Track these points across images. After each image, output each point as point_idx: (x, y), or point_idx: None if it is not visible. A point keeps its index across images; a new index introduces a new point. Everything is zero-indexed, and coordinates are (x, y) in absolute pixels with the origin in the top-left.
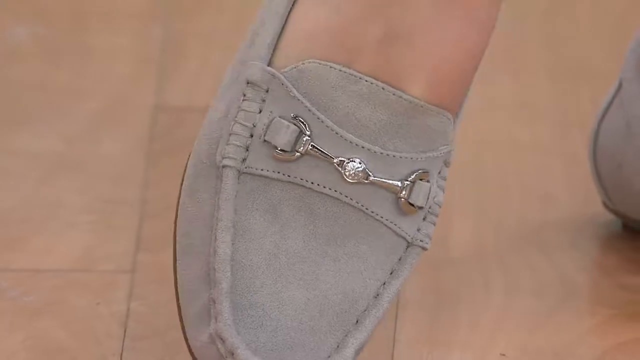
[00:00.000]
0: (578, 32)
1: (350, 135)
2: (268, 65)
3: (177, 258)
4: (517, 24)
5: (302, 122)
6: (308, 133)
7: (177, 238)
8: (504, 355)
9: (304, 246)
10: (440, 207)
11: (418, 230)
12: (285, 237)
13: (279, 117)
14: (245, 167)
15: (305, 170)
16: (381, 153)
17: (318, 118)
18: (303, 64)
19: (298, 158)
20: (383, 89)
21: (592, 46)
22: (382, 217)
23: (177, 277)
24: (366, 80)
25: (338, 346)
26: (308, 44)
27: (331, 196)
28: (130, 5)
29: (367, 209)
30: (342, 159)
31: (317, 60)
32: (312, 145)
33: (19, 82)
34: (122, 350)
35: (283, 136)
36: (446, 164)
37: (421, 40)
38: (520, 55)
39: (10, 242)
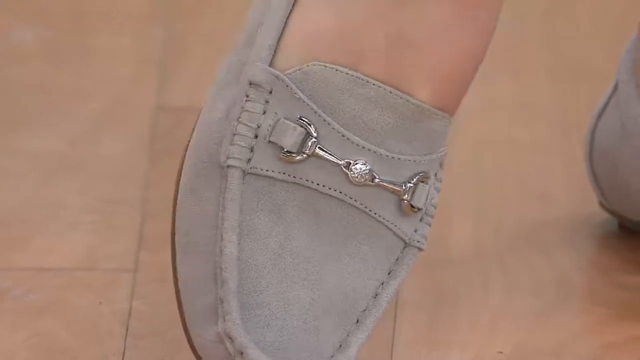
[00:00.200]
0: (578, 33)
1: (357, 137)
2: (269, 67)
3: (177, 256)
4: (517, 24)
5: (309, 124)
6: (315, 135)
7: (176, 237)
8: (501, 353)
9: (308, 246)
10: (435, 208)
11: (415, 231)
12: (289, 238)
13: (284, 118)
14: (250, 168)
15: (311, 172)
16: (387, 156)
17: (324, 120)
18: (307, 66)
19: (304, 160)
20: (390, 92)
21: (591, 46)
22: (384, 219)
23: (178, 275)
24: (373, 84)
25: (340, 346)
26: (311, 47)
27: (336, 197)
28: (131, 6)
29: (370, 210)
30: (349, 161)
31: (323, 63)
32: (319, 148)
33: (20, 82)
34: (124, 349)
35: (290, 138)
36: (441, 165)
37: (428, 44)
38: (520, 55)
39: (13, 242)
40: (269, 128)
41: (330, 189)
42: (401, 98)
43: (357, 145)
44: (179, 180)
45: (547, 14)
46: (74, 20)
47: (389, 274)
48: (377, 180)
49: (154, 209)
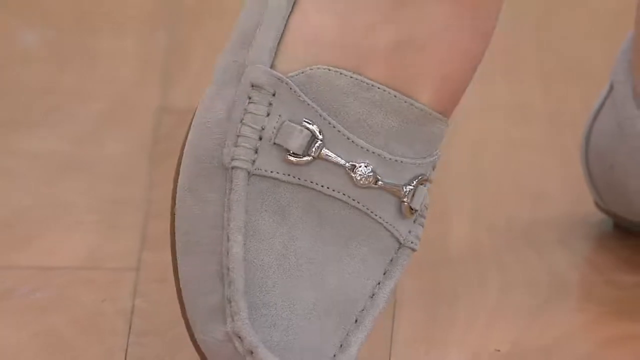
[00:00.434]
0: (574, 33)
1: (361, 140)
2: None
3: (178, 255)
4: (513, 25)
5: (315, 127)
6: (320, 137)
7: (176, 236)
8: (498, 351)
9: (311, 247)
10: (427, 209)
11: (409, 232)
12: (293, 238)
13: (289, 121)
14: (255, 169)
15: (316, 174)
16: (390, 159)
17: (329, 123)
18: (311, 69)
19: (310, 162)
20: (395, 96)
21: (588, 47)
22: (383, 220)
23: (179, 274)
24: (378, 88)
25: (341, 345)
26: (313, 50)
27: (339, 199)
28: (134, 8)
29: (371, 212)
30: (354, 163)
31: (327, 67)
32: (324, 150)
33: (24, 84)
34: (127, 346)
35: (296, 140)
36: (433, 167)
37: (432, 48)
38: (517, 56)
39: (18, 242)
40: (274, 130)
41: (334, 190)
42: (405, 102)
43: (361, 148)
44: (176, 179)
45: (544, 15)
46: (77, 23)
47: (384, 274)
48: (380, 182)
49: (157, 209)
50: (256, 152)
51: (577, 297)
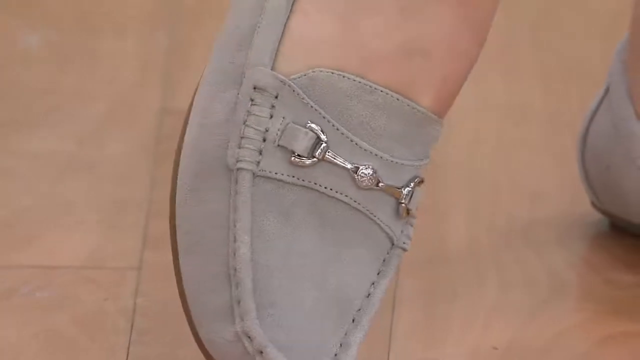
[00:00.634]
0: (570, 33)
1: (365, 143)
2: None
3: (180, 255)
4: (510, 25)
5: (319, 129)
6: (325, 140)
7: (177, 236)
8: (496, 349)
9: (313, 248)
10: (416, 209)
11: (401, 232)
12: (296, 239)
13: (293, 123)
14: (260, 170)
15: (320, 175)
16: (392, 161)
17: (333, 125)
18: (313, 72)
19: (315, 164)
20: (398, 99)
21: (584, 47)
22: (381, 221)
23: (182, 274)
24: (381, 91)
25: (341, 345)
26: (314, 53)
27: (341, 200)
28: (136, 10)
29: (371, 213)
30: (357, 165)
31: (329, 70)
32: (329, 152)
33: (26, 85)
34: (129, 344)
35: (301, 142)
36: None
37: (436, 53)
38: (513, 56)
39: (22, 241)
40: (278, 132)
41: (336, 192)
42: (408, 105)
43: (364, 150)
44: (175, 180)
45: (540, 15)
46: (79, 24)
47: (378, 274)
48: (381, 184)
49: (158, 209)
50: (260, 153)
51: (575, 296)
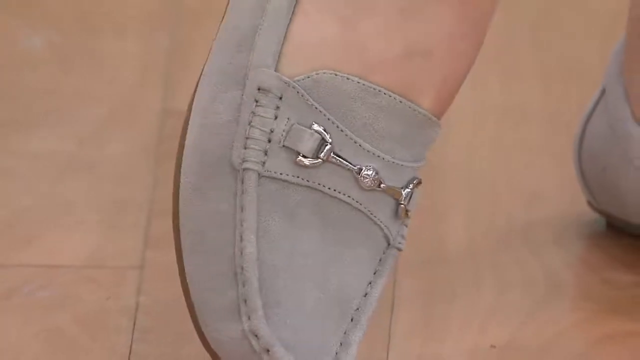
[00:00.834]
0: (570, 33)
1: (367, 144)
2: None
3: (184, 254)
4: (508, 26)
5: (324, 131)
6: (330, 141)
7: (181, 235)
8: (494, 347)
9: (315, 248)
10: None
11: (397, 232)
12: (300, 239)
13: (297, 124)
14: (265, 171)
15: (324, 176)
16: (393, 162)
17: (338, 127)
18: (317, 74)
19: (320, 164)
20: (400, 102)
21: (582, 48)
22: (381, 222)
23: (187, 273)
24: (385, 93)
25: (341, 344)
26: (317, 55)
27: (344, 201)
28: (137, 12)
29: (371, 213)
30: (360, 167)
31: (333, 72)
32: (333, 153)
33: (29, 86)
34: (131, 343)
35: (307, 143)
36: None
37: (438, 56)
38: (511, 57)
39: (24, 240)
40: (283, 133)
41: (339, 192)
42: (409, 107)
43: (367, 151)
44: (177, 179)
45: (538, 16)
46: (81, 26)
47: (374, 273)
48: (382, 185)
49: (160, 209)
50: (266, 154)
51: (573, 296)
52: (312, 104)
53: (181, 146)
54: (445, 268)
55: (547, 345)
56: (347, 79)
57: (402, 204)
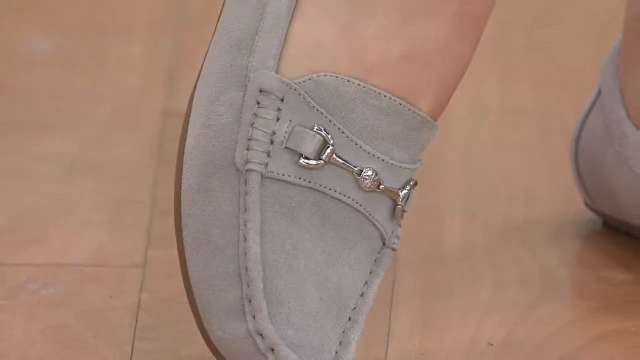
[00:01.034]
0: (564, 36)
1: (368, 146)
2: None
3: (187, 254)
4: (504, 28)
5: (326, 132)
6: (331, 143)
7: (184, 235)
8: (491, 345)
9: (316, 248)
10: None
11: (392, 232)
12: (301, 239)
13: (299, 125)
14: (268, 172)
15: (326, 177)
16: (392, 164)
17: (339, 129)
18: (318, 76)
19: (322, 166)
20: (400, 104)
21: (578, 50)
22: (378, 222)
23: (190, 272)
24: (385, 96)
25: (341, 343)
26: (317, 58)
27: (344, 202)
28: (142, 16)
29: (370, 214)
30: (361, 168)
31: (334, 74)
32: (335, 155)
33: (37, 88)
34: (133, 340)
35: (309, 145)
36: None
37: (437, 59)
38: (507, 59)
39: (29, 240)
40: (285, 135)
41: (340, 193)
42: (409, 110)
43: (368, 153)
44: (179, 180)
45: (534, 19)
46: (88, 30)
47: (370, 273)
48: (381, 186)
49: (163, 208)
50: (268, 155)
51: (569, 294)
52: (313, 106)
53: (182, 147)
54: (443, 267)
55: (543, 342)
56: (348, 81)
57: (399, 204)
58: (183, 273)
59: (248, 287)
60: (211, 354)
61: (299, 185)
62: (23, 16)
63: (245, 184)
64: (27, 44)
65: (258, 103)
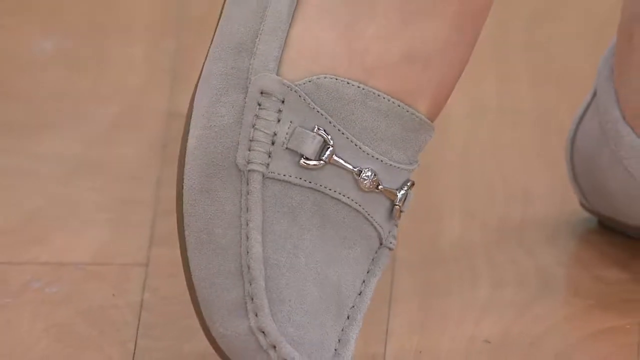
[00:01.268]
0: (561, 37)
1: (367, 147)
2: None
3: (189, 253)
4: (501, 29)
5: (326, 134)
6: (331, 144)
7: (186, 234)
8: (488, 342)
9: (316, 247)
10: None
11: (389, 232)
12: (302, 239)
13: (300, 127)
14: (269, 172)
15: (326, 178)
16: (390, 164)
17: (339, 130)
18: (318, 78)
19: (322, 166)
20: (399, 106)
21: (575, 50)
22: (376, 222)
23: (193, 271)
24: (384, 97)
25: (340, 340)
26: (318, 59)
27: (343, 202)
28: (145, 18)
29: (368, 214)
30: (360, 168)
31: (334, 76)
32: (335, 155)
33: (41, 88)
34: (136, 337)
35: (310, 146)
36: None
37: (437, 61)
38: (505, 59)
39: (34, 239)
40: (286, 136)
41: (340, 193)
42: (407, 111)
43: (367, 154)
44: (181, 180)
45: (531, 19)
46: (91, 31)
47: (368, 272)
48: (380, 187)
49: (165, 208)
50: (269, 156)
51: (565, 292)
52: (313, 108)
53: (183, 148)
54: (441, 266)
55: (540, 340)
56: (348, 83)
57: (397, 205)
58: (185, 272)
59: (250, 285)
60: (213, 352)
61: (300, 186)
62: (25, 17)
63: (247, 184)
64: (29, 44)
65: (259, 105)
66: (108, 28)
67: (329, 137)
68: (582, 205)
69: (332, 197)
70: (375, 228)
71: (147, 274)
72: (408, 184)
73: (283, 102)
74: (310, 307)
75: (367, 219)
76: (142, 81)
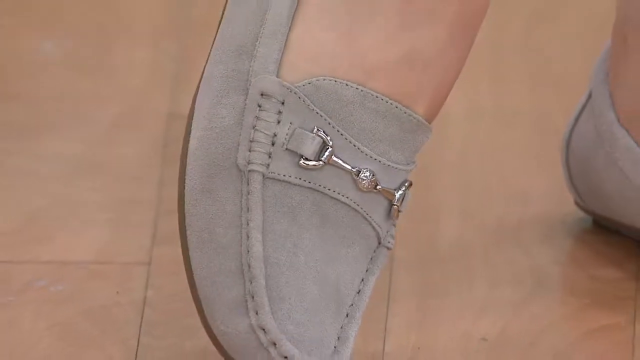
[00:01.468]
0: (560, 37)
1: (366, 148)
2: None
3: (191, 252)
4: (499, 30)
5: (325, 134)
6: (330, 144)
7: (188, 234)
8: (485, 340)
9: (315, 246)
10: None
11: (387, 232)
12: (301, 238)
13: (300, 128)
14: (269, 173)
15: (325, 178)
16: (389, 165)
17: (338, 131)
18: (317, 80)
19: (322, 167)
20: (396, 107)
21: (572, 52)
22: (375, 222)
23: (194, 270)
24: (382, 99)
25: (339, 338)
26: (317, 61)
27: (342, 202)
28: (147, 20)
29: (367, 214)
30: (359, 169)
31: (333, 78)
32: (334, 156)
33: (44, 90)
34: (139, 335)
35: (309, 146)
36: None
37: (435, 63)
38: (502, 61)
39: (37, 238)
40: (286, 137)
41: (339, 194)
42: (405, 113)
43: (365, 154)
44: (182, 180)
45: (528, 21)
46: (92, 32)
47: (366, 271)
48: (378, 187)
49: (166, 207)
50: (270, 156)
51: (560, 291)
52: (313, 109)
53: (185, 148)
54: (439, 266)
55: (536, 338)
56: (347, 85)
57: (395, 205)
58: (187, 270)
59: (251, 283)
60: (215, 349)
61: (299, 186)
62: (25, 17)
63: (248, 184)
64: (30, 45)
65: (259, 106)
66: (109, 28)
67: (328, 138)
68: (578, 205)
69: (331, 197)
70: (373, 227)
71: (149, 273)
72: (406, 184)
73: (283, 103)
74: (309, 305)
75: (366, 219)
76: (143, 82)
